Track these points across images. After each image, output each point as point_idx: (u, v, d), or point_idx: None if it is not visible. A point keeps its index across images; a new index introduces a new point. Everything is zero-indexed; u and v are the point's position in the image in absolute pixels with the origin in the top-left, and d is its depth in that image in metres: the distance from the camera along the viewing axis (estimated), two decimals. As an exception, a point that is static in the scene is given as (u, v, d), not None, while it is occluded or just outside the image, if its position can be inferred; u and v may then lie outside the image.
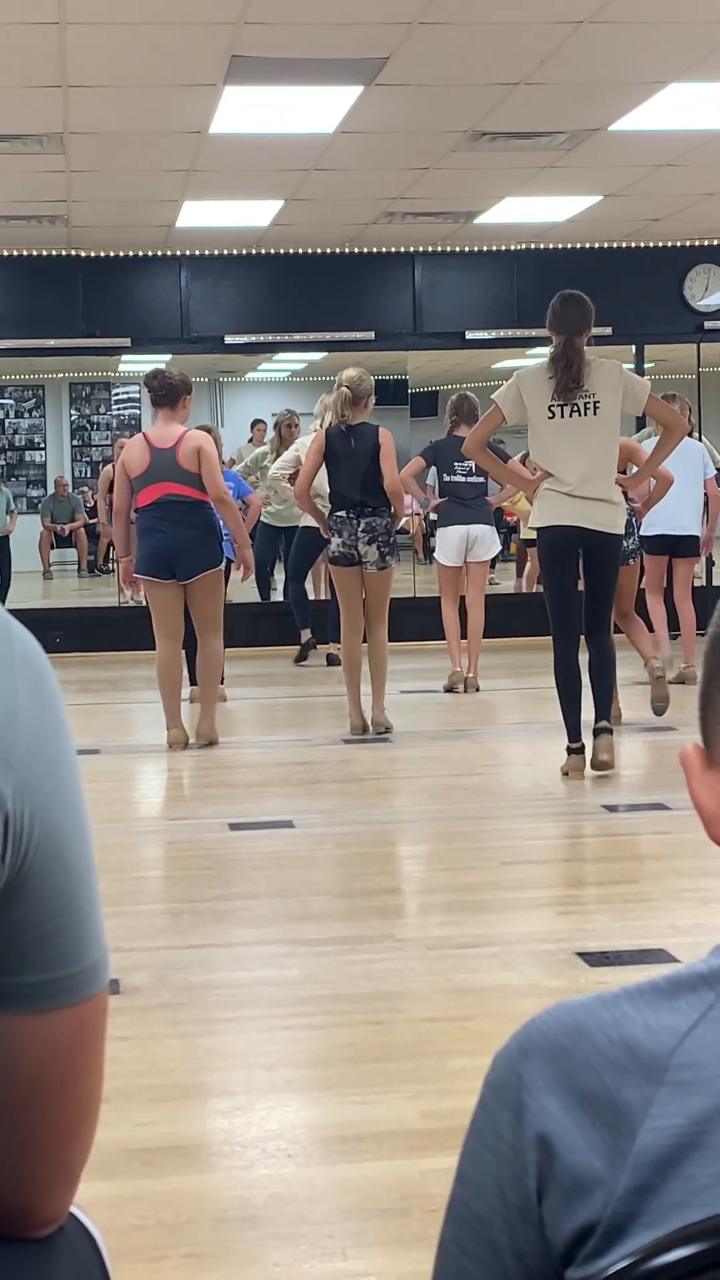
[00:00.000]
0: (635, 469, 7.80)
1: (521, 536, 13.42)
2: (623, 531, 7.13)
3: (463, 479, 10.05)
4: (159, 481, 7.95)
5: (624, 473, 7.75)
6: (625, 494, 7.40)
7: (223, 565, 8.31)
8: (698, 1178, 0.91)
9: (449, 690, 10.03)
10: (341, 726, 8.50)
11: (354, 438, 8.28)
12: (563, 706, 7.11)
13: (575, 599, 7.07)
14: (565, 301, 7.00)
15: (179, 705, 8.14)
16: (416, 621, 10.92)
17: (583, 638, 7.16)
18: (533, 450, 7.19)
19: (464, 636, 10.22)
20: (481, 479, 10.12)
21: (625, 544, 8.16)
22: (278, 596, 13.28)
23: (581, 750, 7.11)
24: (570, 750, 7.11)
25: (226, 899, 5.19)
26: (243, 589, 11.64)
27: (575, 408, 6.88)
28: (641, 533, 9.63)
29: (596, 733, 7.08)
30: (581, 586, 7.20)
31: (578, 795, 6.77)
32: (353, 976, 4.27)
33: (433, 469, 10.26)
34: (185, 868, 5.81)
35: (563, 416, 6.89)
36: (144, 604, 8.37)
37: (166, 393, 8.03)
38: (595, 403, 6.88)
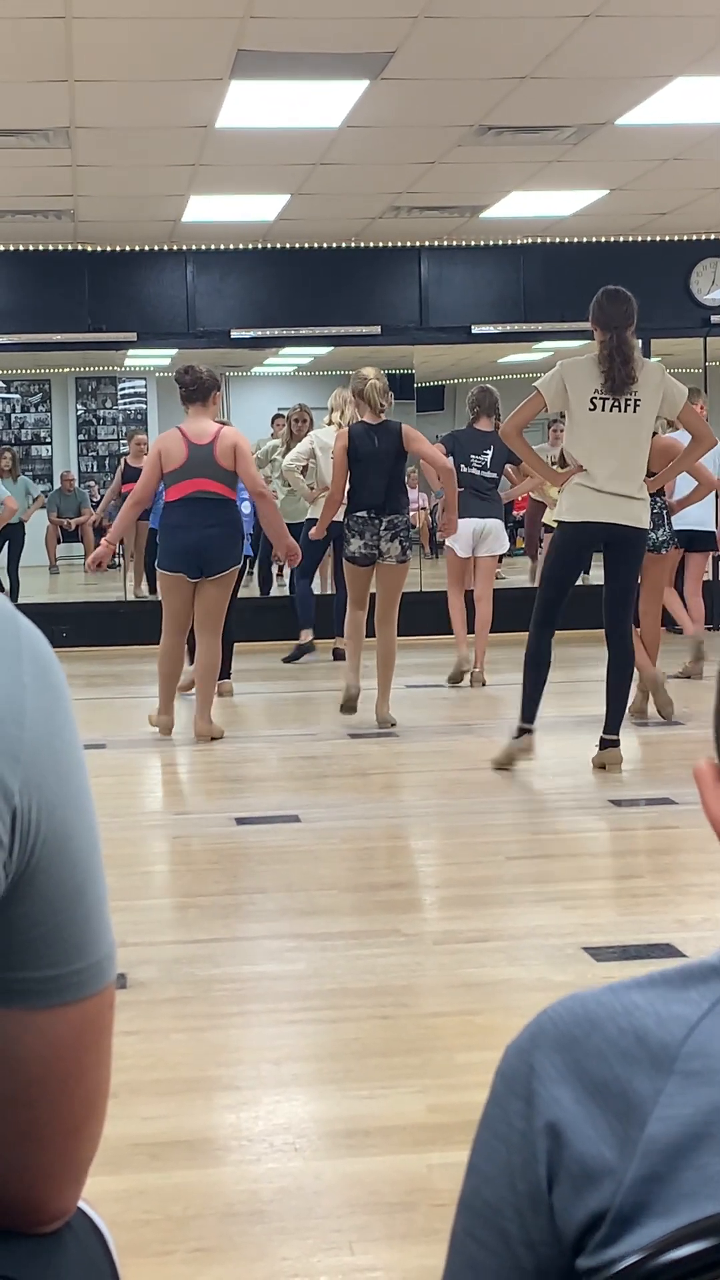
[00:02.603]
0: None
1: (544, 520, 13.45)
2: (648, 526, 7.11)
3: (479, 472, 10.06)
4: (194, 477, 7.97)
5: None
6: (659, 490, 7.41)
7: (242, 564, 8.35)
8: (709, 1167, 0.91)
9: (454, 681, 10.03)
10: (347, 722, 8.49)
11: (378, 436, 8.27)
12: (527, 692, 7.06)
13: (568, 596, 7.06)
14: (611, 297, 6.97)
15: (174, 693, 8.21)
16: (423, 615, 10.92)
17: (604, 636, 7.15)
18: (568, 442, 7.19)
19: (471, 631, 10.23)
20: (496, 474, 10.14)
21: (656, 535, 8.17)
22: (280, 591, 13.27)
23: (615, 744, 7.08)
24: (605, 742, 7.08)
25: (233, 893, 5.20)
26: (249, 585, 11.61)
27: (616, 403, 6.87)
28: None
29: (604, 744, 7.07)
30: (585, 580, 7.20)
31: (584, 790, 6.77)
32: (359, 971, 4.27)
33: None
34: (191, 862, 5.81)
35: (603, 410, 6.88)
36: (146, 596, 8.38)
37: (197, 388, 8.05)
38: (636, 401, 6.88)
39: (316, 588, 11.98)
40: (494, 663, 10.25)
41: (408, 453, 8.33)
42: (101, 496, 16.77)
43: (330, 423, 10.77)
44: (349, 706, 8.48)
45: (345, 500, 8.45)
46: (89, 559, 8.58)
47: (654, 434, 7.19)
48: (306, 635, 11.37)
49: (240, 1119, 3.34)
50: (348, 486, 8.40)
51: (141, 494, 8.18)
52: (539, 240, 13.14)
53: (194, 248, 12.98)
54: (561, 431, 8.75)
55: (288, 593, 12.87)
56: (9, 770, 1.03)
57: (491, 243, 13.22)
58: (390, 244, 13.15)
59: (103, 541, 8.54)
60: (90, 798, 1.11)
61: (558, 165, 10.55)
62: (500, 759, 7.09)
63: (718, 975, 0.97)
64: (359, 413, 8.52)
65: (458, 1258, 1.01)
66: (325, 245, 13.06)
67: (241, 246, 13.01)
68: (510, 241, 13.17)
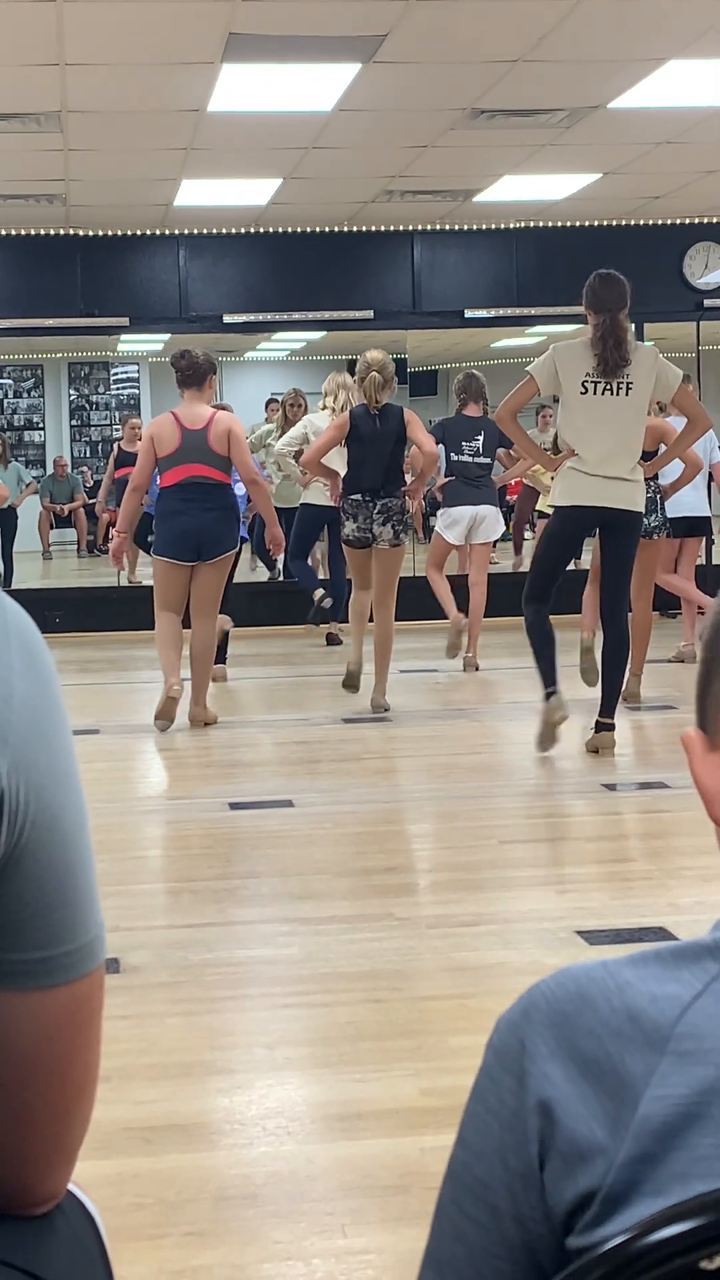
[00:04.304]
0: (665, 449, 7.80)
1: (536, 508, 13.44)
2: (642, 509, 7.12)
3: (470, 459, 10.05)
4: (187, 463, 7.94)
5: (654, 453, 7.74)
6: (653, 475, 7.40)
7: (238, 548, 8.33)
8: (700, 1148, 0.91)
9: (452, 649, 10.00)
10: (341, 706, 8.49)
11: (379, 419, 8.25)
12: (539, 662, 7.01)
13: (559, 578, 7.06)
14: (604, 281, 6.97)
15: (179, 661, 8.03)
16: (416, 600, 10.92)
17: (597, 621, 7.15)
18: (562, 426, 7.19)
19: (466, 616, 10.23)
20: (489, 460, 10.12)
21: (648, 520, 8.17)
22: (276, 576, 13.26)
23: (611, 728, 7.08)
24: (600, 725, 7.08)
25: (226, 878, 5.20)
26: (245, 570, 11.58)
27: (608, 386, 6.87)
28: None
29: (599, 727, 7.07)
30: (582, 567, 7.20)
31: (578, 774, 6.77)
32: (353, 955, 4.28)
33: (439, 448, 10.25)
34: (185, 847, 5.81)
35: (595, 393, 6.88)
36: (140, 582, 8.36)
37: (193, 372, 8.03)
38: (628, 384, 6.88)
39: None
40: (487, 647, 10.25)
41: (408, 438, 8.33)
42: (95, 482, 16.78)
43: (324, 408, 10.74)
44: (351, 683, 8.52)
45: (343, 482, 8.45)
46: (111, 556, 8.52)
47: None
48: (319, 594, 11.13)
49: (233, 1103, 3.34)
50: (345, 469, 8.38)
51: (139, 480, 8.17)
52: (532, 224, 13.11)
53: (186, 232, 12.95)
54: (551, 416, 8.75)
55: (282, 579, 12.88)
56: (-3, 752, 1.03)
57: (484, 227, 13.20)
58: (383, 228, 13.12)
59: (114, 533, 8.54)
60: (79, 781, 1.11)
61: (551, 149, 10.53)
62: (541, 734, 6.98)
63: (710, 956, 0.97)
64: (356, 397, 8.50)
65: (445, 1228, 1.01)
66: (318, 229, 13.03)
67: (234, 231, 12.98)
68: (503, 225, 13.15)
